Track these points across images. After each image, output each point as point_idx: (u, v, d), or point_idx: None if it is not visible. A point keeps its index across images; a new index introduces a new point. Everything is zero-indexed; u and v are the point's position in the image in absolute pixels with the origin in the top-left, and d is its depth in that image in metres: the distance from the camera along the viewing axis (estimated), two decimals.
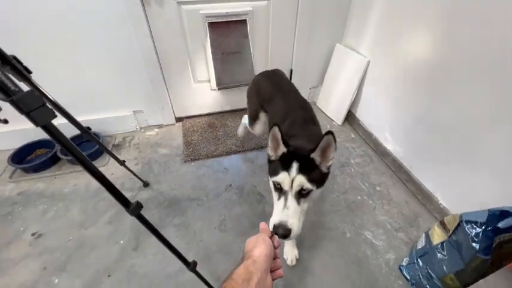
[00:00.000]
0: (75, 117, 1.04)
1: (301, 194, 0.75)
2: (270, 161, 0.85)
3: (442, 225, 0.98)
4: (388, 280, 1.12)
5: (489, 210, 0.78)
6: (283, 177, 0.74)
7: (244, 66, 1.87)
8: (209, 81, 1.91)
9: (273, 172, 0.79)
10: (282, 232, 0.69)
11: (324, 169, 0.79)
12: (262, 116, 1.34)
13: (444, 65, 1.20)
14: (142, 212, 0.69)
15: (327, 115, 2.12)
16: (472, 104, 1.11)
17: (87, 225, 1.31)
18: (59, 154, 1.59)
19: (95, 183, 1.49)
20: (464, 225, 0.83)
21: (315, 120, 1.09)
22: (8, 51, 0.73)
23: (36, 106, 0.49)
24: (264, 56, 1.93)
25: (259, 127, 1.40)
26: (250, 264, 0.46)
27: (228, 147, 1.78)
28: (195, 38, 1.70)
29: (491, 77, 1.02)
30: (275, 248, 0.55)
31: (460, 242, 0.87)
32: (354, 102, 1.91)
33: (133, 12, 1.47)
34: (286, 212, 0.72)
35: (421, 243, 1.07)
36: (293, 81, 1.91)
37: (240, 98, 2.02)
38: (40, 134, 1.66)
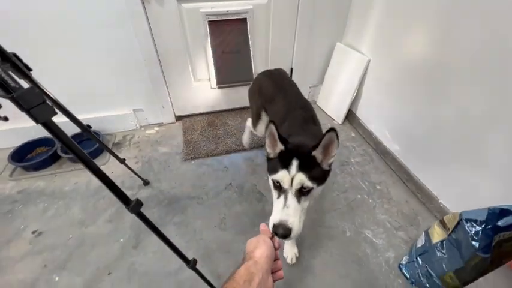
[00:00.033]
0: (75, 115, 1.04)
1: (302, 192, 0.73)
2: (268, 159, 0.83)
3: (442, 223, 0.98)
4: (387, 278, 1.12)
5: (489, 209, 0.78)
6: (282, 175, 0.73)
7: (244, 64, 1.87)
8: (209, 79, 1.91)
9: (272, 170, 0.77)
10: (282, 232, 0.67)
11: (325, 166, 0.77)
12: (265, 116, 1.33)
13: (444, 64, 1.20)
14: (143, 210, 0.69)
15: (327, 114, 2.12)
16: (472, 104, 1.11)
17: (87, 223, 1.31)
18: (59, 152, 1.59)
19: (95, 182, 1.49)
20: (464, 223, 0.83)
21: (315, 120, 1.08)
22: (8, 50, 0.73)
23: (37, 103, 0.49)
24: (264, 55, 1.92)
25: (262, 127, 1.39)
26: (252, 265, 0.46)
27: (228, 145, 1.78)
28: (195, 37, 1.69)
29: (492, 76, 1.02)
30: (276, 249, 0.55)
31: (459, 240, 0.87)
32: (354, 101, 1.91)
33: (134, 10, 1.47)
34: (286, 211, 0.70)
35: (420, 242, 1.07)
36: (293, 79, 1.90)
37: (240, 97, 2.02)
38: (40, 132, 1.67)
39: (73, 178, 1.55)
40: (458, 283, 0.91)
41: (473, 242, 0.80)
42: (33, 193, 1.46)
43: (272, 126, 0.75)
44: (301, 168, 0.72)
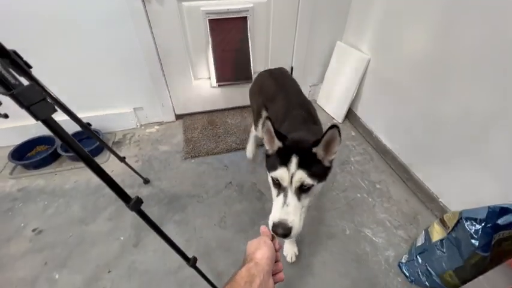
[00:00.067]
0: (75, 114, 1.04)
1: (302, 190, 0.71)
2: (267, 155, 0.81)
3: (442, 222, 0.98)
4: (387, 277, 1.12)
5: (489, 207, 0.78)
6: (281, 173, 0.70)
7: (243, 62, 1.86)
8: (209, 78, 1.91)
9: (271, 167, 0.74)
10: (281, 231, 0.65)
11: (326, 163, 0.75)
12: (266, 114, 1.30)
13: (445, 62, 1.20)
14: (143, 208, 0.70)
15: (327, 113, 2.12)
16: (473, 102, 1.11)
17: (87, 221, 1.31)
18: (59, 151, 1.59)
19: (95, 180, 1.49)
20: (464, 222, 0.83)
21: (316, 120, 1.06)
22: (8, 48, 0.73)
23: (37, 100, 0.49)
24: (264, 54, 1.92)
25: None
26: (253, 266, 0.46)
27: (228, 144, 1.78)
28: (195, 35, 1.69)
29: (493, 73, 1.01)
30: (276, 251, 0.54)
31: (459, 238, 0.87)
32: (355, 100, 1.91)
33: (134, 8, 1.47)
34: (286, 209, 0.68)
35: (420, 241, 1.08)
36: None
37: (240, 96, 2.02)
38: (40, 131, 1.67)
39: (73, 176, 1.55)
40: (458, 281, 0.91)
41: (473, 241, 0.80)
42: (34, 191, 1.46)
43: (268, 123, 0.72)
44: (301, 165, 0.69)
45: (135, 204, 0.67)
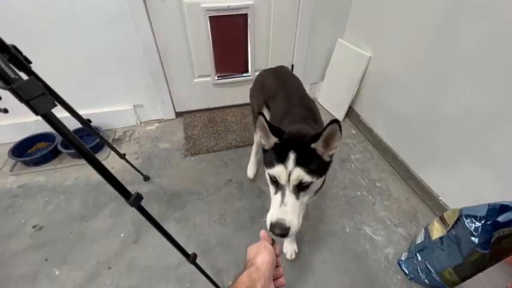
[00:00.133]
0: (75, 110, 1.04)
1: (301, 187, 0.67)
2: (264, 150, 0.77)
3: (442, 220, 0.98)
4: (387, 275, 1.12)
5: (489, 205, 0.78)
6: (279, 171, 0.67)
7: (241, 57, 1.86)
8: (209, 76, 1.91)
9: (268, 163, 0.71)
10: (279, 232, 0.63)
11: (326, 158, 0.71)
12: (267, 113, 1.24)
13: (446, 61, 1.19)
14: (143, 205, 0.69)
15: (327, 111, 2.11)
16: (474, 101, 1.10)
17: (88, 218, 1.31)
18: (59, 148, 1.59)
19: (95, 177, 1.50)
20: (464, 219, 0.83)
21: (317, 119, 1.01)
22: (8, 43, 0.73)
23: (36, 94, 0.49)
24: (264, 51, 1.91)
25: None
26: (254, 271, 0.46)
27: (229, 142, 1.78)
28: (195, 32, 1.68)
29: (495, 72, 1.01)
30: (277, 255, 0.54)
31: (459, 236, 0.87)
32: (355, 98, 1.91)
33: (134, 5, 1.46)
34: (283, 208, 0.65)
35: (420, 238, 1.08)
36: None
37: (240, 93, 2.02)
38: (40, 128, 1.67)
39: (73, 173, 1.55)
40: (457, 279, 0.91)
41: (473, 238, 0.80)
42: (34, 188, 1.46)
43: (261, 118, 0.69)
44: (299, 162, 0.65)
45: (135, 200, 0.67)
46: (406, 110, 1.48)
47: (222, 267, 1.13)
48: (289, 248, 1.17)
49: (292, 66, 2.02)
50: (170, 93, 1.90)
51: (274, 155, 0.69)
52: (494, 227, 0.78)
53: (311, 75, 2.13)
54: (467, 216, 0.83)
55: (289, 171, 0.66)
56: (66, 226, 1.28)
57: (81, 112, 1.08)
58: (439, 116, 1.28)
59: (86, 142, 1.61)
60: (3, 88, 0.47)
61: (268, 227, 0.65)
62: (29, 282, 1.08)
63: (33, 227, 1.27)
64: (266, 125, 0.69)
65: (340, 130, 0.65)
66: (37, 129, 1.67)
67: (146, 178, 1.51)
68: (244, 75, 1.98)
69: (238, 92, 2.02)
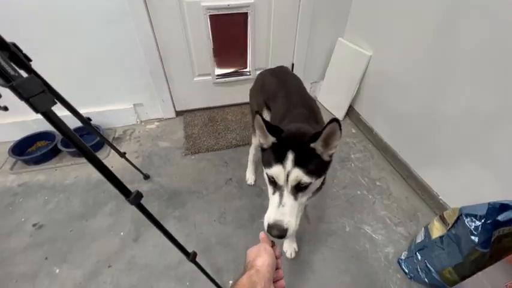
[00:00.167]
0: (75, 108, 1.03)
1: (299, 188, 0.66)
2: (262, 149, 0.75)
3: (442, 219, 0.98)
4: (387, 273, 1.12)
5: (489, 204, 0.78)
6: (277, 171, 0.65)
7: (240, 54, 1.86)
8: (210, 74, 1.90)
9: (266, 163, 0.69)
10: (277, 233, 0.62)
11: (325, 157, 0.69)
12: (267, 114, 1.24)
13: (447, 61, 1.19)
14: (143, 203, 0.69)
15: (328, 110, 2.11)
16: (474, 101, 1.10)
17: (88, 216, 1.32)
18: (59, 146, 1.59)
19: (95, 176, 1.50)
20: (464, 218, 0.83)
21: (318, 119, 0.99)
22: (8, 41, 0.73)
23: (36, 92, 0.49)
24: (265, 50, 1.91)
25: None
26: (254, 274, 0.46)
27: (229, 141, 1.78)
28: (196, 31, 1.68)
29: (495, 73, 1.01)
30: (277, 258, 0.54)
31: (459, 235, 0.87)
32: (355, 97, 1.91)
33: (135, 5, 1.46)
34: (281, 209, 0.64)
35: (420, 237, 1.08)
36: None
37: (240, 92, 2.01)
38: (41, 126, 1.67)
39: (73, 172, 1.55)
40: (457, 278, 0.91)
41: (473, 237, 0.80)
42: (34, 186, 1.47)
43: (258, 117, 0.67)
44: (297, 162, 0.64)
45: (135, 198, 0.67)
46: (406, 109, 1.48)
47: (221, 266, 1.13)
48: (289, 247, 1.17)
49: (293, 65, 2.01)
50: (170, 92, 1.90)
51: (273, 155, 0.67)
52: (494, 226, 0.78)
53: (311, 74, 2.12)
54: (467, 215, 0.83)
55: (287, 171, 0.64)
56: (66, 224, 1.28)
57: (81, 111, 1.08)
58: (439, 115, 1.27)
59: (86, 141, 1.59)
60: (3, 86, 0.47)
61: (265, 228, 0.64)
62: (29, 280, 1.08)
63: (34, 225, 1.27)
64: (263, 124, 0.67)
65: (340, 129, 0.63)
66: (37, 128, 1.67)
67: (146, 177, 1.51)
68: (244, 74, 1.98)
69: (238, 91, 2.02)
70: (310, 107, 1.01)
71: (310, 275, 1.12)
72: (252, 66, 1.93)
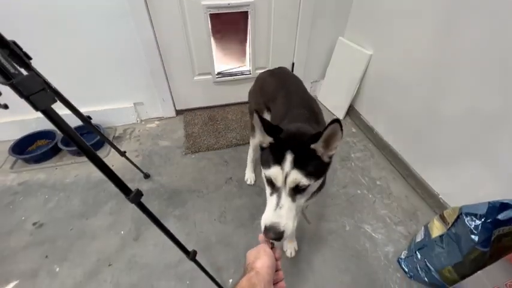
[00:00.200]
0: (75, 107, 1.03)
1: (297, 190, 0.64)
2: (262, 148, 0.73)
3: (442, 218, 0.98)
4: (386, 273, 1.12)
5: (489, 203, 0.78)
6: (275, 173, 0.63)
7: (244, 58, 1.86)
8: (210, 73, 1.90)
9: (265, 163, 0.68)
10: (273, 236, 0.60)
11: (325, 159, 0.68)
12: (267, 115, 1.22)
13: (447, 60, 1.19)
14: (143, 202, 0.69)
15: (328, 109, 2.11)
16: (475, 101, 1.10)
17: (88, 215, 1.32)
18: (59, 145, 1.59)
19: (96, 175, 1.50)
20: (464, 217, 0.83)
21: (319, 119, 0.97)
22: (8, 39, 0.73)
23: (36, 90, 0.49)
24: (265, 49, 1.91)
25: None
26: (253, 276, 0.46)
27: (229, 140, 1.78)
28: (196, 30, 1.68)
29: (496, 74, 1.00)
30: (276, 260, 0.54)
31: (459, 234, 0.87)
32: (356, 97, 1.90)
33: (135, 4, 1.46)
34: (279, 212, 0.62)
35: (420, 237, 1.08)
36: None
37: (241, 92, 2.01)
38: (41, 125, 1.66)
39: (73, 171, 1.55)
40: (457, 277, 0.91)
41: (473, 236, 0.80)
42: (34, 185, 1.47)
43: (256, 116, 0.66)
44: (296, 164, 0.62)
45: (135, 197, 0.67)
46: (407, 108, 1.48)
47: (222, 264, 1.13)
48: (289, 246, 1.17)
49: (293, 64, 2.01)
50: (170, 91, 1.90)
51: (271, 155, 0.66)
52: (495, 225, 0.78)
53: (312, 74, 2.12)
54: (467, 214, 0.83)
55: (285, 173, 0.63)
56: (67, 223, 1.28)
57: (82, 110, 1.07)
58: (439, 114, 1.27)
59: (86, 140, 1.59)
60: (3, 83, 0.47)
61: (262, 229, 0.63)
62: (29, 279, 1.08)
63: (34, 224, 1.27)
64: (260, 123, 0.66)
65: (342, 130, 0.62)
66: (37, 127, 1.67)
67: (146, 176, 1.51)
68: (244, 73, 1.98)
69: (238, 90, 2.02)
70: (310, 107, 0.99)
71: (310, 274, 1.12)
72: (253, 65, 1.93)
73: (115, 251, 1.17)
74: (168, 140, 1.80)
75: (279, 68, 1.33)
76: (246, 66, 1.99)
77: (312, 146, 0.64)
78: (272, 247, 0.56)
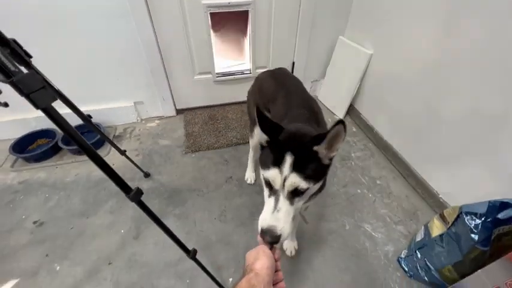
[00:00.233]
0: (76, 105, 1.03)
1: (296, 193, 0.63)
2: (262, 146, 0.71)
3: (442, 217, 0.98)
4: (386, 272, 1.13)
5: (489, 202, 0.78)
6: (273, 175, 0.62)
7: (244, 57, 1.86)
8: (210, 73, 1.90)
9: (263, 164, 0.66)
10: (269, 239, 0.59)
11: (325, 161, 0.66)
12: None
13: (448, 60, 1.19)
14: (143, 201, 0.70)
15: (328, 109, 2.11)
16: (476, 101, 1.10)
17: (88, 214, 1.32)
18: (60, 144, 1.59)
19: (96, 173, 1.50)
20: (464, 216, 0.83)
21: (319, 120, 0.94)
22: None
23: (37, 88, 0.49)
24: (265, 48, 1.91)
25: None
26: (253, 277, 0.46)
27: (229, 139, 1.78)
28: (196, 29, 1.68)
29: (496, 74, 1.00)
30: (276, 260, 0.53)
31: (459, 233, 0.87)
32: (356, 96, 1.90)
33: (136, 4, 1.46)
34: (276, 215, 0.61)
35: (420, 236, 1.08)
36: (295, 74, 1.89)
37: (241, 91, 2.00)
38: (41, 124, 1.67)
39: (74, 170, 1.55)
40: (457, 276, 0.91)
41: (473, 235, 0.80)
42: (35, 184, 1.47)
43: (256, 111, 0.64)
44: (295, 167, 0.60)
45: (135, 195, 0.67)
46: (407, 108, 1.48)
47: (222, 263, 1.14)
48: (289, 245, 1.17)
49: (293, 63, 2.01)
50: (171, 90, 1.90)
51: (270, 156, 0.64)
52: (495, 224, 0.78)
53: (312, 73, 2.12)
54: (467, 214, 0.83)
55: (284, 176, 0.61)
56: (67, 222, 1.28)
57: (82, 109, 1.08)
58: (439, 114, 1.27)
59: (87, 139, 1.60)
60: (3, 81, 0.47)
61: (258, 231, 0.63)
62: (29, 277, 1.08)
63: (34, 222, 1.28)
64: (257, 121, 0.64)
65: (345, 131, 0.60)
66: (37, 126, 1.67)
67: (147, 175, 1.51)
68: (244, 72, 1.98)
69: (238, 89, 2.02)
70: (310, 108, 0.98)
71: (310, 273, 1.12)
72: (253, 65, 1.93)
73: (115, 250, 1.17)
74: (168, 139, 1.80)
75: (279, 68, 1.32)
76: (246, 65, 1.99)
77: (315, 147, 0.62)
78: (271, 248, 0.56)
